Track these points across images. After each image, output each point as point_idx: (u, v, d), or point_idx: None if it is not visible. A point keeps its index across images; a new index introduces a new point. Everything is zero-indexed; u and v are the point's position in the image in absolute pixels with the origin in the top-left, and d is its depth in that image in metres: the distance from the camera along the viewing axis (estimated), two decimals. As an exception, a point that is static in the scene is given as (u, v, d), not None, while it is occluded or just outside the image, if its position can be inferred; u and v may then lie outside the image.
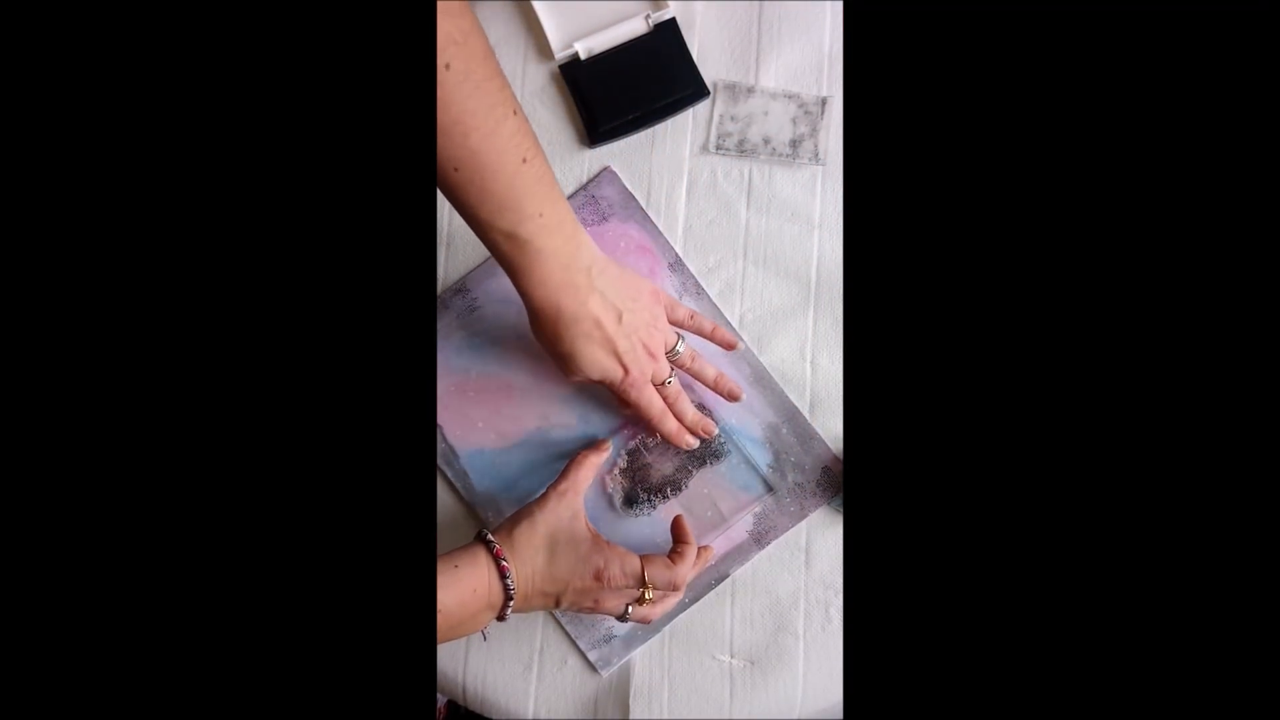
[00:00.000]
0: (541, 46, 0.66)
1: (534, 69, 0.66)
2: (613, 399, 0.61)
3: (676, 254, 0.64)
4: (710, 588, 0.62)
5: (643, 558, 0.55)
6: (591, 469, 0.59)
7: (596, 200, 0.65)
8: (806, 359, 0.63)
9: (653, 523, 0.62)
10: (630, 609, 0.55)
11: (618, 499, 0.63)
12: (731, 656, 0.61)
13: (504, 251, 0.52)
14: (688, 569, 0.56)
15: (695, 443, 0.61)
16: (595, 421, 0.63)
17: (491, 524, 0.62)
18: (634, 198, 0.65)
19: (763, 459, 0.62)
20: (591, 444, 0.62)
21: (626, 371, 0.56)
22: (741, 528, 0.62)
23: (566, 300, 0.53)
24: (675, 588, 0.56)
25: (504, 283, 0.64)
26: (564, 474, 0.58)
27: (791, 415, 0.63)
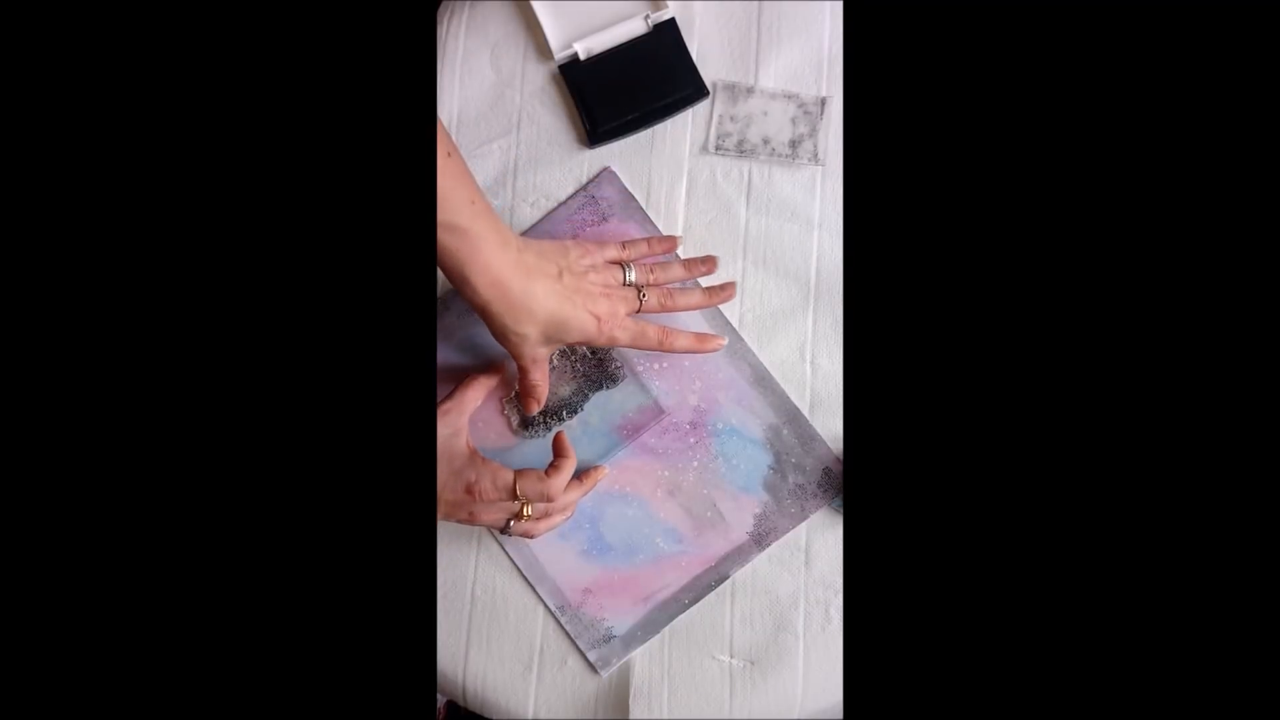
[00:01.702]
0: (541, 46, 0.66)
1: (533, 69, 0.66)
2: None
3: (676, 254, 0.64)
4: (710, 588, 0.62)
5: (517, 472, 0.56)
6: (480, 389, 0.60)
7: (596, 200, 0.65)
8: (806, 359, 0.63)
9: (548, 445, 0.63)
10: (511, 524, 0.57)
11: (514, 420, 0.63)
12: (731, 656, 0.61)
13: (448, 246, 0.52)
14: (562, 481, 0.57)
15: (723, 342, 0.61)
16: (595, 422, 0.63)
17: (491, 524, 0.62)
18: (634, 198, 0.65)
19: (763, 460, 0.62)
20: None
21: (598, 318, 0.56)
22: (742, 529, 0.62)
23: (511, 277, 0.54)
24: (548, 499, 0.57)
25: (504, 283, 0.64)
26: (451, 393, 0.60)
27: (793, 416, 0.63)
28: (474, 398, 0.60)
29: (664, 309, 0.60)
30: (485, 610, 0.62)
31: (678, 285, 0.62)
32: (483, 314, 0.56)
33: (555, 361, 0.63)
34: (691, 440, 0.63)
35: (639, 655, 0.62)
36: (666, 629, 0.62)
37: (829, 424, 0.63)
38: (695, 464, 0.63)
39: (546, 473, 0.57)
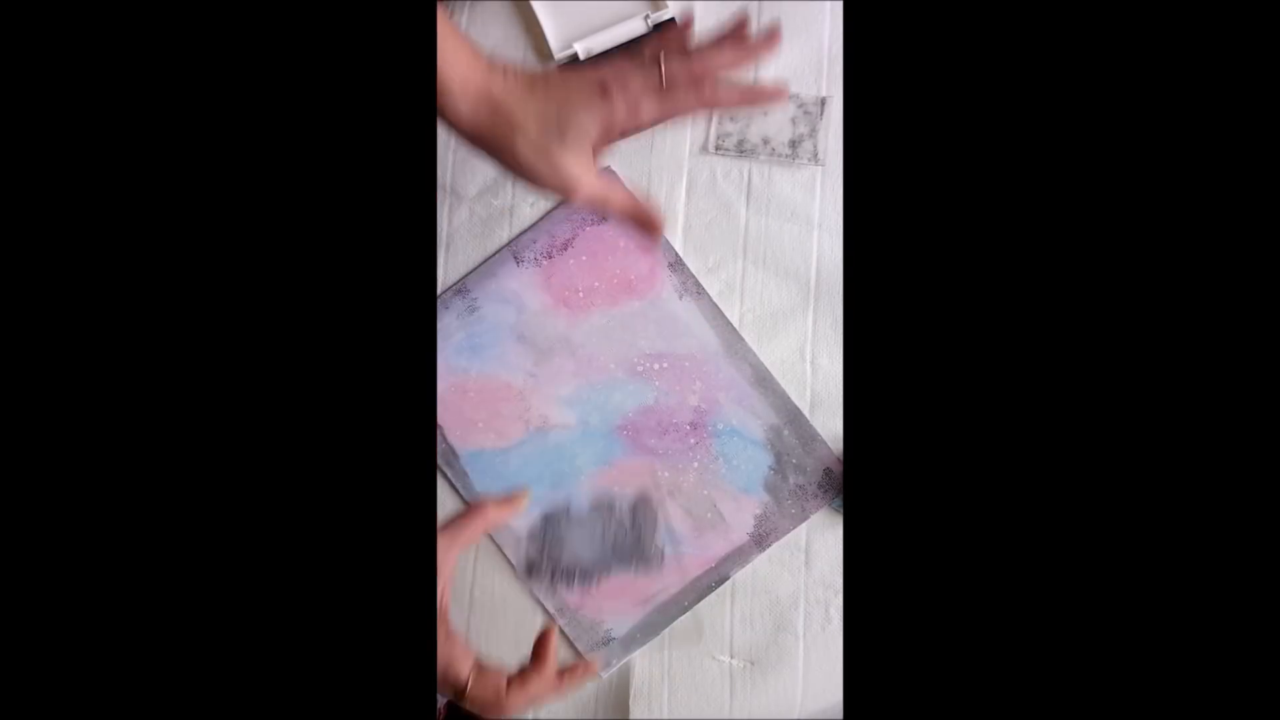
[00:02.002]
0: (541, 47, 0.66)
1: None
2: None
3: (676, 254, 0.64)
4: (710, 589, 0.62)
5: (477, 664, 0.47)
6: (481, 524, 0.50)
7: (596, 200, 0.65)
8: (806, 359, 0.63)
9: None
10: (442, 707, 0.48)
11: (520, 565, 0.58)
12: (731, 657, 0.61)
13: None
14: (527, 697, 0.47)
15: (785, 93, 0.49)
16: (595, 422, 0.63)
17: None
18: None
19: (764, 461, 0.62)
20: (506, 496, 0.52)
21: (604, 84, 0.45)
22: (742, 529, 0.62)
23: (490, 80, 0.45)
24: (496, 713, 0.47)
25: (504, 283, 0.64)
26: (450, 522, 0.50)
27: (793, 417, 0.63)
28: (472, 533, 0.50)
29: (693, 89, 0.46)
30: (485, 611, 0.62)
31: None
32: (474, 139, 0.46)
33: (586, 517, 0.57)
34: (692, 441, 0.63)
35: (639, 655, 0.62)
36: (666, 630, 0.62)
37: (829, 424, 0.63)
38: (695, 464, 0.63)
39: (510, 683, 0.47)
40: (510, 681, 0.47)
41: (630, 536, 0.58)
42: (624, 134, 0.47)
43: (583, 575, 0.59)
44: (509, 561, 0.60)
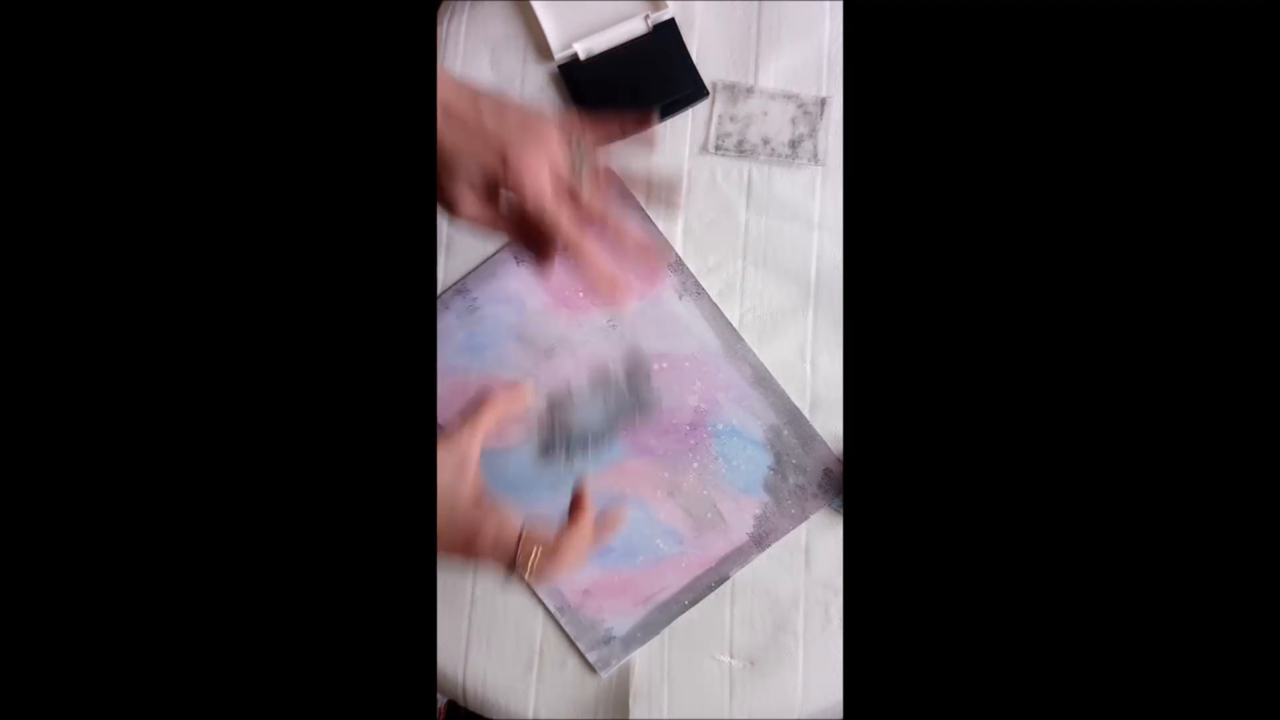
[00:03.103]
0: (541, 47, 0.66)
1: (533, 69, 0.66)
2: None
3: (676, 254, 0.64)
4: (710, 589, 0.62)
5: (526, 520, 0.48)
6: (494, 411, 0.50)
7: (596, 201, 0.65)
8: (806, 359, 0.63)
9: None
10: (519, 565, 0.48)
11: (532, 448, 0.58)
12: (731, 657, 0.61)
13: None
14: (577, 544, 0.49)
15: (621, 291, 0.51)
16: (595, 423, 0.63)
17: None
18: (634, 197, 0.65)
19: (764, 461, 0.62)
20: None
21: (506, 161, 0.47)
22: (742, 530, 0.62)
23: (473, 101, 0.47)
24: (557, 554, 0.48)
25: (504, 283, 0.64)
26: (463, 409, 0.50)
27: (793, 417, 0.63)
28: (487, 420, 0.50)
29: (580, 219, 0.49)
30: (485, 610, 0.62)
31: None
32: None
33: (587, 390, 0.60)
34: (691, 441, 0.63)
35: (639, 655, 0.62)
36: (666, 630, 0.62)
37: (829, 424, 0.63)
38: (695, 465, 0.63)
39: (557, 540, 0.48)
40: (557, 539, 0.48)
41: (629, 398, 0.60)
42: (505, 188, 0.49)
43: (595, 440, 0.61)
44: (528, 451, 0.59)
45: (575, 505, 0.51)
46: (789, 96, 0.65)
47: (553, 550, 0.48)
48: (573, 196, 0.50)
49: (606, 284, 0.50)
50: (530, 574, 0.48)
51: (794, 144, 0.64)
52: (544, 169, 0.48)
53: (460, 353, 0.64)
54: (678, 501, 0.62)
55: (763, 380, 0.63)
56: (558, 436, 0.60)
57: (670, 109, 0.65)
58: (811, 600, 0.62)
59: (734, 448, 0.63)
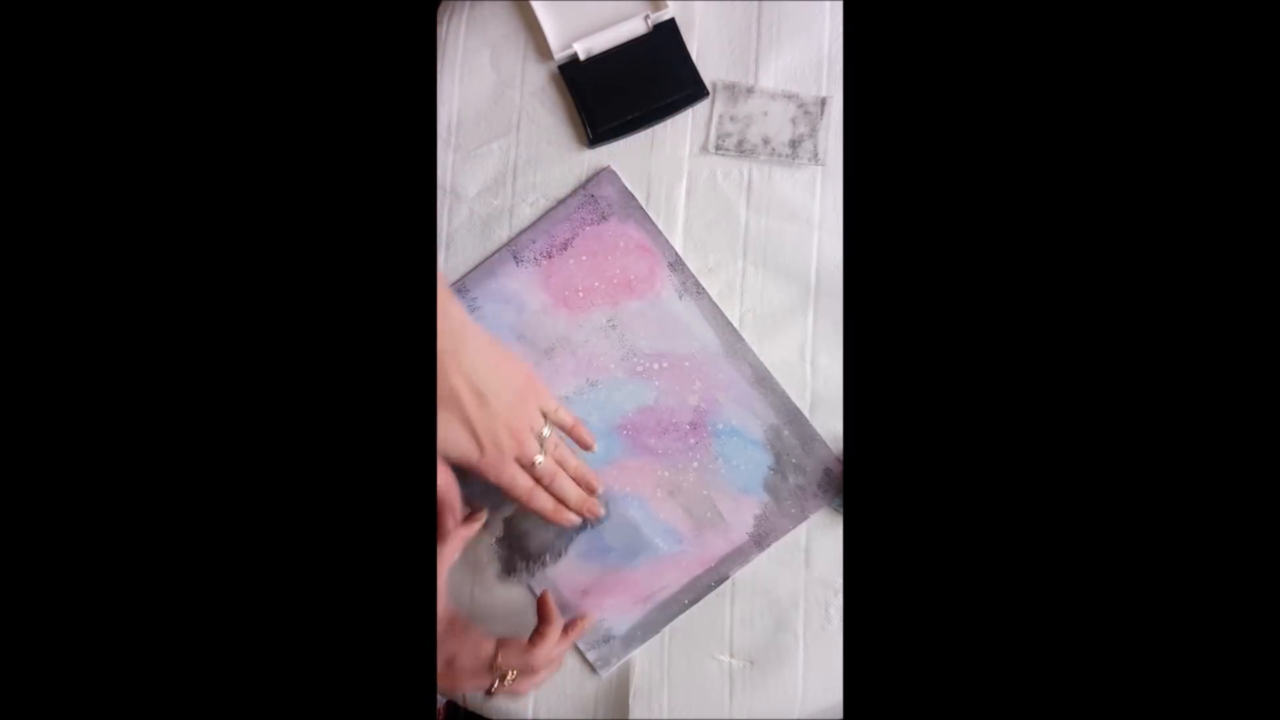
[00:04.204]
0: (541, 46, 0.66)
1: (533, 69, 0.66)
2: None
3: (676, 254, 0.64)
4: (710, 589, 0.62)
5: (499, 642, 0.55)
6: (458, 543, 0.56)
7: (596, 200, 0.65)
8: (806, 359, 0.63)
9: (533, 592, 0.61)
10: (496, 686, 0.54)
11: (494, 569, 0.62)
12: (731, 656, 0.61)
13: None
14: (548, 650, 0.55)
15: (576, 520, 0.59)
16: (595, 422, 0.63)
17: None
18: (634, 197, 0.65)
19: (764, 461, 0.62)
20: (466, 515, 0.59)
21: (482, 450, 0.54)
22: (742, 529, 0.62)
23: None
24: (532, 670, 0.55)
25: (504, 283, 0.64)
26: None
27: (793, 417, 0.63)
28: (449, 553, 0.55)
29: (553, 456, 0.57)
30: (485, 610, 0.62)
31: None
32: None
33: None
34: (691, 441, 0.63)
35: (639, 655, 0.62)
36: (666, 629, 0.62)
37: (829, 424, 0.63)
38: (695, 464, 0.63)
39: (531, 640, 0.55)
40: (529, 644, 0.55)
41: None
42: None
43: (552, 553, 0.62)
44: (485, 569, 0.63)
45: (542, 616, 0.57)
46: (789, 96, 0.65)
47: (527, 668, 0.55)
48: None
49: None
50: (509, 691, 0.55)
51: (794, 144, 0.64)
52: None
53: (460, 352, 0.64)
54: (678, 501, 0.62)
55: (763, 380, 0.63)
56: (516, 555, 0.62)
57: (670, 109, 0.65)
58: (811, 600, 0.62)
59: (734, 447, 0.63)
